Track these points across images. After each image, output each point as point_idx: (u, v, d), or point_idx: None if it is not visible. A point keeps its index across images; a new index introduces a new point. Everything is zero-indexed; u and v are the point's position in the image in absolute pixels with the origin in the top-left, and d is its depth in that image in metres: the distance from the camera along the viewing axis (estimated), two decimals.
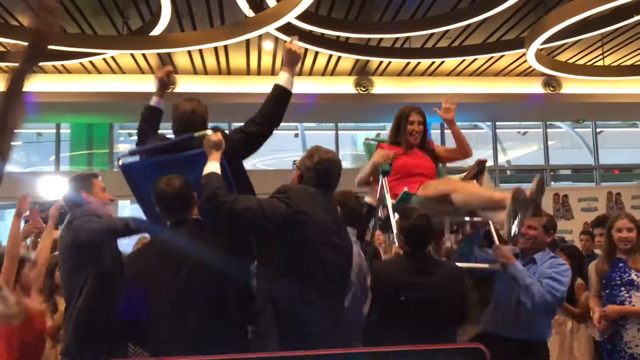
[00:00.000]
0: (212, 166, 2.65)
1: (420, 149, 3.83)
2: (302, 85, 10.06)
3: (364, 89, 10.21)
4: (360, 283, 3.12)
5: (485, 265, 3.58)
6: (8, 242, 3.30)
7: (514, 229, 3.08)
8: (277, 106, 3.01)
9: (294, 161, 2.95)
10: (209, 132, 2.74)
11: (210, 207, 2.58)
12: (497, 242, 3.49)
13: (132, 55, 8.96)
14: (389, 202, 3.45)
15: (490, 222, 3.54)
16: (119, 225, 3.01)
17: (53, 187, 9.97)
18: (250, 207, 2.54)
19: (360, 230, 3.52)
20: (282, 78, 3.08)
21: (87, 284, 3.08)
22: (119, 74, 9.90)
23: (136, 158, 3.06)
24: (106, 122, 11.65)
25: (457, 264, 3.42)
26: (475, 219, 3.59)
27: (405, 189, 3.48)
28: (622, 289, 3.73)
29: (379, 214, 3.63)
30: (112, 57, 8.95)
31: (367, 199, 3.66)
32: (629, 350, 3.64)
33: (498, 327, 3.50)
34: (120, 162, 3.00)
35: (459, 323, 3.25)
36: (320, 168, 2.74)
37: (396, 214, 3.32)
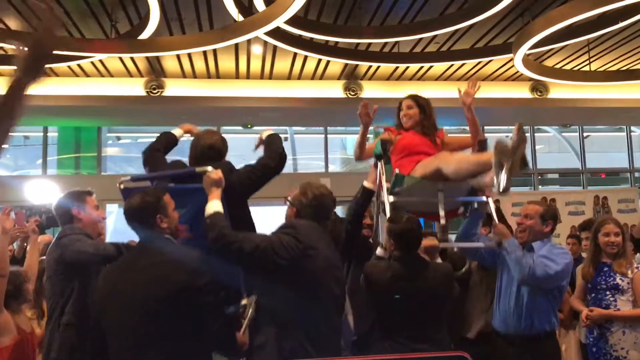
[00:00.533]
0: (215, 205, 2.61)
1: (424, 135, 3.80)
2: (291, 89, 10.10)
3: (353, 93, 10.24)
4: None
5: (481, 244, 3.63)
6: None
7: (502, 181, 2.98)
8: (279, 142, 3.24)
9: (286, 197, 2.99)
10: (209, 168, 2.74)
11: (218, 247, 2.53)
12: (496, 221, 3.53)
13: (120, 58, 8.93)
14: (384, 185, 3.56)
15: (491, 203, 3.54)
16: (110, 251, 3.05)
17: (40, 191, 9.93)
18: (260, 245, 2.55)
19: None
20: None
21: (71, 300, 3.14)
22: (107, 77, 9.86)
23: (137, 184, 3.02)
24: (94, 126, 11.58)
25: (457, 243, 3.66)
26: (477, 198, 3.58)
27: (397, 170, 3.51)
28: (607, 292, 3.77)
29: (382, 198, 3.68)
30: (100, 61, 8.91)
31: (365, 183, 3.68)
32: (614, 354, 3.67)
33: (500, 320, 3.53)
34: (122, 187, 2.97)
35: (451, 324, 3.28)
36: (316, 204, 2.83)
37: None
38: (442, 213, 3.49)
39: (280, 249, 2.56)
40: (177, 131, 3.48)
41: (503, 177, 2.98)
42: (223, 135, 3.31)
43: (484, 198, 3.56)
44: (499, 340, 3.56)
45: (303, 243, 2.61)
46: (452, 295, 3.39)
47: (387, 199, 3.46)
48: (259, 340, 2.59)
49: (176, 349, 2.38)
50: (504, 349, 3.52)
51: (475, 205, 3.65)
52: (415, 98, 3.95)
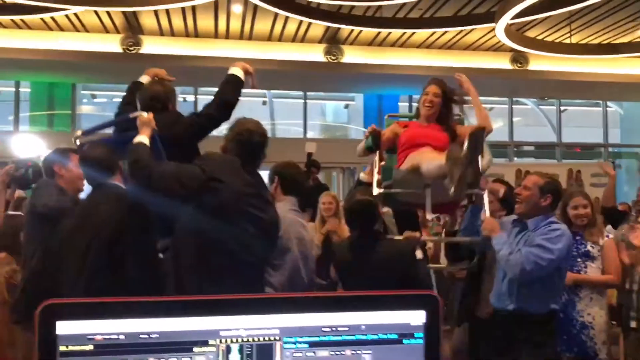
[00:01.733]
0: (141, 138, 2.77)
1: (441, 124, 3.71)
2: (271, 51, 9.94)
3: (333, 58, 10.13)
4: (303, 252, 3.12)
5: (467, 239, 3.62)
6: None
7: (451, 189, 2.96)
8: (231, 90, 3.13)
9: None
10: (143, 113, 2.88)
11: (132, 171, 2.70)
12: (487, 214, 3.44)
13: (96, 12, 8.68)
14: (375, 177, 3.59)
15: (485, 196, 3.46)
16: (66, 203, 3.18)
17: (12, 147, 9.70)
18: (166, 171, 2.63)
19: (304, 200, 3.56)
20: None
21: (36, 254, 3.28)
22: (82, 32, 9.59)
23: (89, 138, 3.20)
24: (68, 82, 11.32)
25: (443, 238, 3.53)
26: (476, 191, 3.53)
27: (383, 163, 3.57)
28: (579, 259, 3.84)
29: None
30: (75, 14, 8.64)
31: (361, 175, 3.72)
32: (580, 319, 3.75)
33: (495, 297, 3.39)
34: (78, 142, 3.13)
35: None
36: (241, 139, 2.73)
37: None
38: (428, 207, 3.49)
39: (184, 178, 2.59)
40: (144, 78, 3.39)
41: (453, 185, 2.97)
42: (172, 87, 3.31)
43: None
44: (496, 317, 3.43)
45: (206, 174, 2.57)
46: (410, 273, 3.21)
47: (375, 191, 3.49)
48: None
49: (104, 282, 2.63)
50: (501, 326, 3.37)
51: (473, 198, 3.62)
52: (443, 86, 3.76)
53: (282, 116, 13.12)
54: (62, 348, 1.00)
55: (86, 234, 2.72)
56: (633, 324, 3.97)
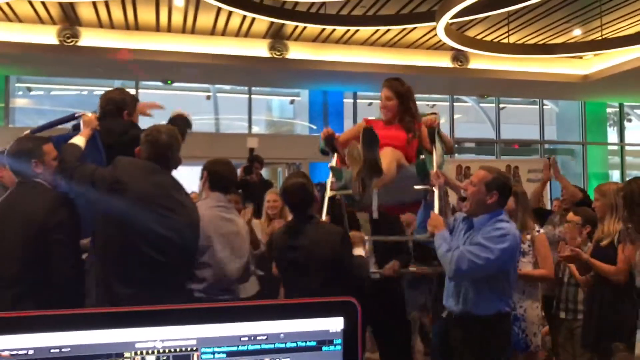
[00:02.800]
0: (77, 139, 2.94)
1: (402, 123, 3.67)
2: (214, 45, 9.82)
3: (278, 53, 10.10)
4: (228, 247, 3.14)
5: (416, 236, 3.63)
6: None
7: (354, 186, 2.96)
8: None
9: None
10: (87, 112, 3.08)
11: (59, 168, 2.83)
12: (436, 210, 3.35)
13: (30, 2, 8.35)
14: (329, 180, 3.65)
15: (435, 190, 3.41)
16: None
17: None
18: (84, 171, 2.77)
19: (247, 195, 3.64)
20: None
21: None
22: (15, 23, 9.21)
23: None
24: (1, 74, 10.86)
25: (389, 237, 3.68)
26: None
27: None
28: None
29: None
30: (7, 3, 8.29)
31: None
32: (513, 312, 3.87)
33: (445, 297, 3.31)
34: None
35: (338, 283, 3.11)
36: (149, 139, 2.85)
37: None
38: (374, 207, 3.49)
39: (97, 180, 2.74)
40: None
41: (355, 182, 2.98)
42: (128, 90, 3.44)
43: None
44: (448, 319, 3.34)
45: (112, 177, 2.75)
46: (338, 257, 3.15)
47: (327, 193, 3.54)
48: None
49: (33, 284, 2.66)
50: (450, 327, 3.31)
51: (428, 197, 3.55)
52: (394, 87, 3.69)
53: (227, 111, 12.99)
54: None
55: (11, 228, 2.74)
56: (562, 315, 4.14)
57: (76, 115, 3.08)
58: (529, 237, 4.03)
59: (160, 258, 2.70)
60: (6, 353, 0.95)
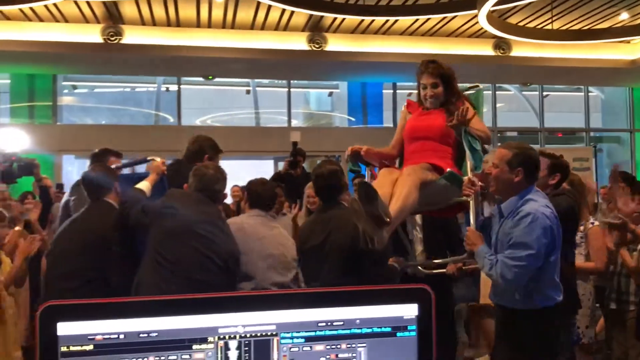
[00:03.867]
0: (142, 184, 3.40)
1: (444, 107, 3.29)
2: (254, 40, 9.89)
3: (317, 46, 10.10)
4: (265, 249, 3.41)
5: (453, 258, 3.55)
6: None
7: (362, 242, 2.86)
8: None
9: None
10: (156, 158, 3.57)
11: (121, 208, 3.28)
12: (472, 224, 3.05)
13: (75, 2, 8.56)
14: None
15: (471, 204, 3.08)
16: None
17: (10, 138, 9.51)
18: (137, 207, 3.19)
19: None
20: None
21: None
22: (62, 23, 9.45)
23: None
24: (49, 73, 11.17)
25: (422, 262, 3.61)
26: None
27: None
28: None
29: None
30: (55, 4, 8.52)
31: None
32: None
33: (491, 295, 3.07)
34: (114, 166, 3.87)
35: (362, 270, 3.08)
36: (197, 174, 3.28)
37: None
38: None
39: (146, 208, 3.17)
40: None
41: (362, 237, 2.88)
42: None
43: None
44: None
45: (164, 204, 3.19)
46: (355, 241, 3.04)
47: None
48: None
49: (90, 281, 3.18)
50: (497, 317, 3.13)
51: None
52: (440, 72, 3.30)
53: (266, 105, 13.08)
54: (63, 348, 1.02)
55: (81, 234, 3.31)
56: (613, 306, 4.07)
57: (148, 158, 3.59)
58: (582, 228, 3.96)
59: (200, 276, 3.01)
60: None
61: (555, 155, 3.60)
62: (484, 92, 12.98)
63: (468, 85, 3.45)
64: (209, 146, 3.72)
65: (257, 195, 3.62)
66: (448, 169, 3.14)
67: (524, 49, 10.51)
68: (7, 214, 3.76)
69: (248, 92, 12.68)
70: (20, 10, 8.74)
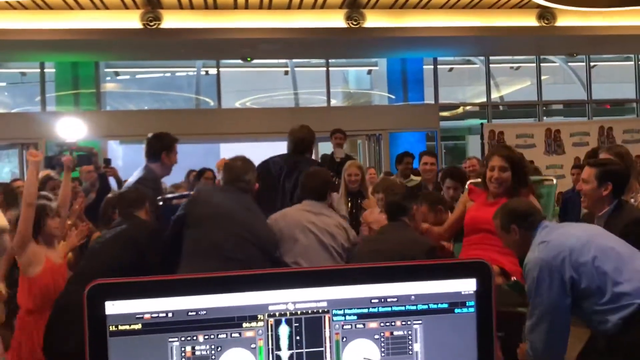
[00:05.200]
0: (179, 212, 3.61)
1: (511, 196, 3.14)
2: (291, 20, 9.82)
3: (355, 23, 9.95)
4: (313, 236, 3.52)
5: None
6: (24, 190, 3.50)
7: None
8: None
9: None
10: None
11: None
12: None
13: None
14: None
15: None
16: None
17: (72, 127, 9.74)
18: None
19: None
20: None
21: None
22: (102, 10, 9.56)
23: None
24: (91, 61, 11.36)
25: None
26: None
27: None
28: None
29: None
30: None
31: None
32: None
33: None
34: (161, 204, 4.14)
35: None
36: (226, 167, 3.52)
37: None
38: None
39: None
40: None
41: None
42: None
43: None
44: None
45: (191, 197, 3.58)
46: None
47: None
48: None
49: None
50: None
51: None
52: (509, 157, 3.24)
53: (305, 85, 13.02)
54: (112, 328, 1.00)
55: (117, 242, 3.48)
56: None
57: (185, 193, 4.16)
58: (632, 200, 3.79)
59: (238, 256, 3.15)
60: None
61: (603, 161, 3.33)
62: (527, 64, 12.61)
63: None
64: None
65: (307, 187, 3.75)
66: (513, 278, 3.05)
67: (569, 18, 10.13)
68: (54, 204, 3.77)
69: (286, 72, 12.63)
70: (64, 0, 8.88)
